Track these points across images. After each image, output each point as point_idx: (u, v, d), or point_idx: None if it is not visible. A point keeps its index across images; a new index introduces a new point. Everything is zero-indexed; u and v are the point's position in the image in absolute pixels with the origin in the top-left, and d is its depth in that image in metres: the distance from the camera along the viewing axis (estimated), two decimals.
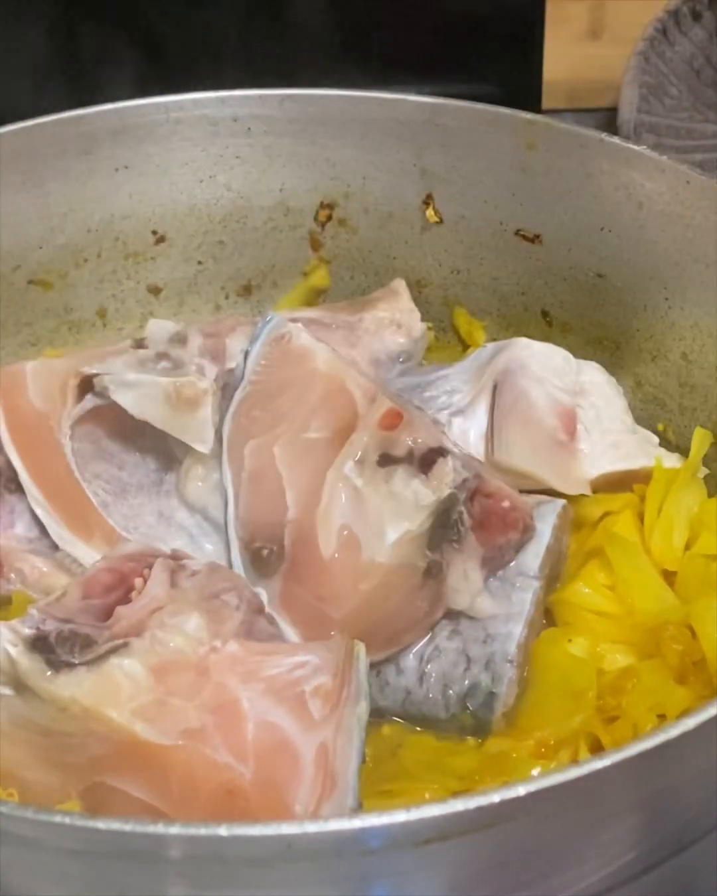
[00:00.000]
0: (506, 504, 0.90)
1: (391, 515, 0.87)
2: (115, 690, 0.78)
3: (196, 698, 0.79)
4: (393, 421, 0.88)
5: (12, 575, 0.96)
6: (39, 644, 0.80)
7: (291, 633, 0.88)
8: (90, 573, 0.87)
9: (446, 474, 0.86)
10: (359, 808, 0.76)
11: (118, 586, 0.86)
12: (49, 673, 0.79)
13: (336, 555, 0.87)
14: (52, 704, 0.78)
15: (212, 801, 0.77)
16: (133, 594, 0.84)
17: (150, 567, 0.86)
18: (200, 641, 0.81)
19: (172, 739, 0.77)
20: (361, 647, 0.83)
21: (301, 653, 0.83)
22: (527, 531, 0.91)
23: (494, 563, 0.90)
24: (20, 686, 0.79)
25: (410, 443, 0.88)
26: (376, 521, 0.87)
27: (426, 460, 0.87)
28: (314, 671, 0.81)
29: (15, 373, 1.03)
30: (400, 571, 0.87)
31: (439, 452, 0.87)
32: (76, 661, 0.79)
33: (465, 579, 0.88)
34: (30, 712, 0.79)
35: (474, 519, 0.89)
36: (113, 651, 0.80)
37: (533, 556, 0.92)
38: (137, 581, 0.85)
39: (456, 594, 0.88)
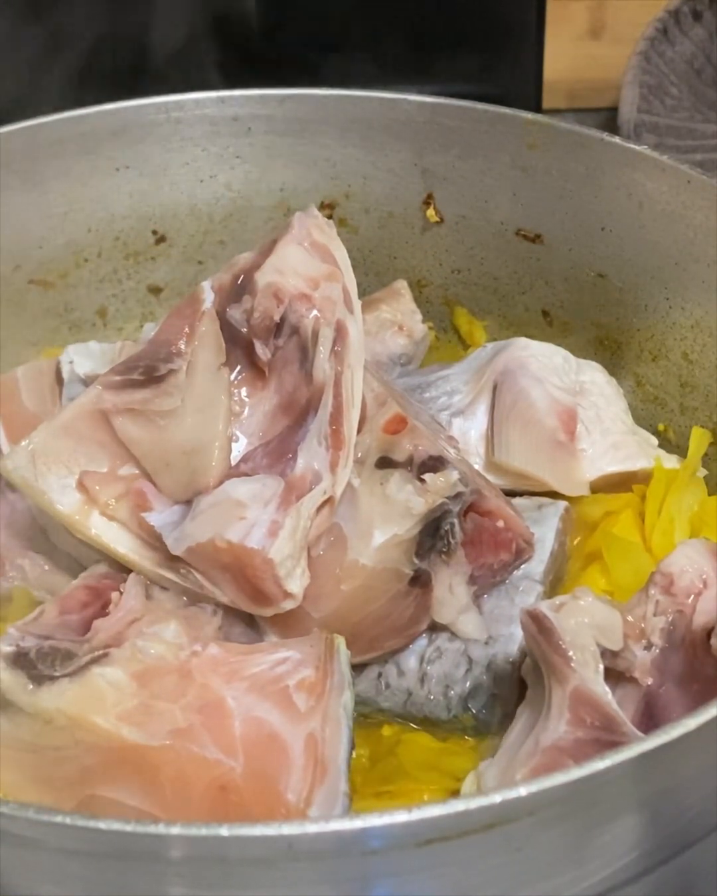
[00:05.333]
0: (500, 524, 0.89)
1: (381, 518, 0.87)
2: (99, 698, 0.79)
3: (181, 700, 0.80)
4: (397, 426, 0.88)
5: (13, 572, 0.96)
6: (20, 660, 0.80)
7: (269, 633, 0.88)
8: (66, 591, 0.88)
9: (441, 485, 0.86)
10: (349, 794, 0.77)
11: (94, 602, 0.87)
12: (31, 687, 0.79)
13: (321, 551, 0.87)
14: (37, 718, 0.79)
15: (206, 798, 0.77)
16: (110, 608, 0.85)
17: (124, 582, 0.87)
18: (179, 647, 0.82)
19: (160, 740, 0.78)
20: (340, 640, 0.84)
21: (282, 650, 0.84)
22: (520, 554, 0.91)
23: (483, 581, 0.90)
24: (3, 704, 0.80)
25: (410, 448, 0.88)
26: (365, 522, 0.87)
27: (424, 468, 0.87)
28: (296, 666, 0.82)
29: (8, 380, 1.06)
30: (384, 575, 0.87)
31: (438, 462, 0.87)
32: (58, 674, 0.80)
33: (450, 593, 0.88)
34: (15, 730, 0.80)
35: (466, 534, 0.89)
36: (94, 661, 0.80)
37: (538, 563, 0.93)
38: (113, 595, 0.86)
39: (441, 607, 0.88)
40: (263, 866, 0.65)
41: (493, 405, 1.02)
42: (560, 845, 0.71)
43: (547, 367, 1.04)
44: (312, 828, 0.62)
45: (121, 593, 0.86)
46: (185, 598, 0.87)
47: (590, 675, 0.77)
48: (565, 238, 1.13)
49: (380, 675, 0.90)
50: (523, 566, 0.92)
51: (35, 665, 0.80)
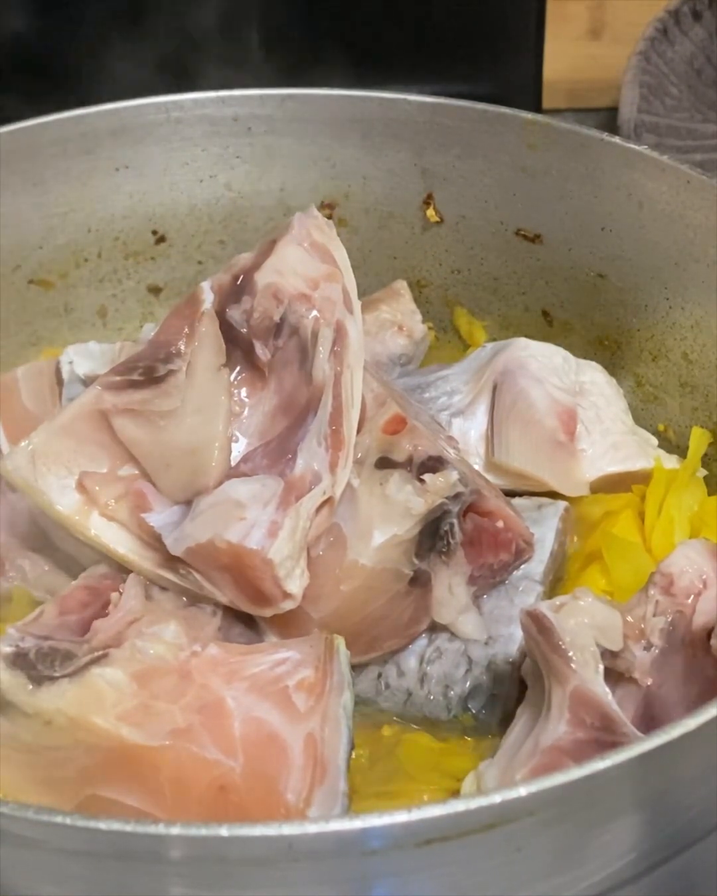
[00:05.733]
0: (499, 524, 0.89)
1: (380, 519, 0.87)
2: (98, 698, 0.79)
3: (180, 700, 0.80)
4: (396, 427, 0.88)
5: (12, 572, 0.96)
6: (20, 661, 0.81)
7: (269, 633, 0.88)
8: (66, 592, 0.89)
9: (441, 485, 0.86)
10: (349, 795, 0.77)
11: (94, 602, 0.87)
12: (31, 687, 0.79)
13: (321, 552, 0.87)
14: (37, 719, 0.79)
15: (205, 798, 0.77)
16: (109, 608, 0.85)
17: (124, 582, 0.87)
18: (179, 647, 0.82)
19: (160, 740, 0.78)
20: (340, 640, 0.84)
21: (282, 650, 0.84)
22: (520, 555, 0.91)
23: (483, 582, 0.90)
24: (3, 704, 0.80)
25: (410, 449, 0.88)
26: (365, 522, 0.87)
27: (424, 468, 0.87)
28: (296, 666, 0.82)
29: (8, 380, 1.07)
30: (383, 575, 0.87)
31: (438, 462, 0.87)
32: (57, 674, 0.80)
33: (450, 593, 0.88)
34: (15, 731, 0.80)
35: (466, 535, 0.89)
36: (93, 662, 0.80)
37: (537, 563, 0.93)
38: (113, 595, 0.86)
39: (441, 607, 0.88)
40: (263, 866, 0.65)
41: (493, 405, 1.02)
42: (560, 845, 0.71)
43: (547, 368, 1.04)
44: (312, 828, 0.62)
45: (120, 594, 0.86)
46: (184, 599, 0.88)
47: (590, 676, 0.77)
48: (565, 238, 1.13)
49: (380, 675, 0.90)
50: (522, 566, 0.92)
51: (35, 665, 0.80)
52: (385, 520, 0.87)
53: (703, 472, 1.03)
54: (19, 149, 1.12)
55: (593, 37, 1.60)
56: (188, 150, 1.17)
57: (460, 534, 0.88)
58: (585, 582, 0.94)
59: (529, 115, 1.11)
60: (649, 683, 0.81)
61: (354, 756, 0.81)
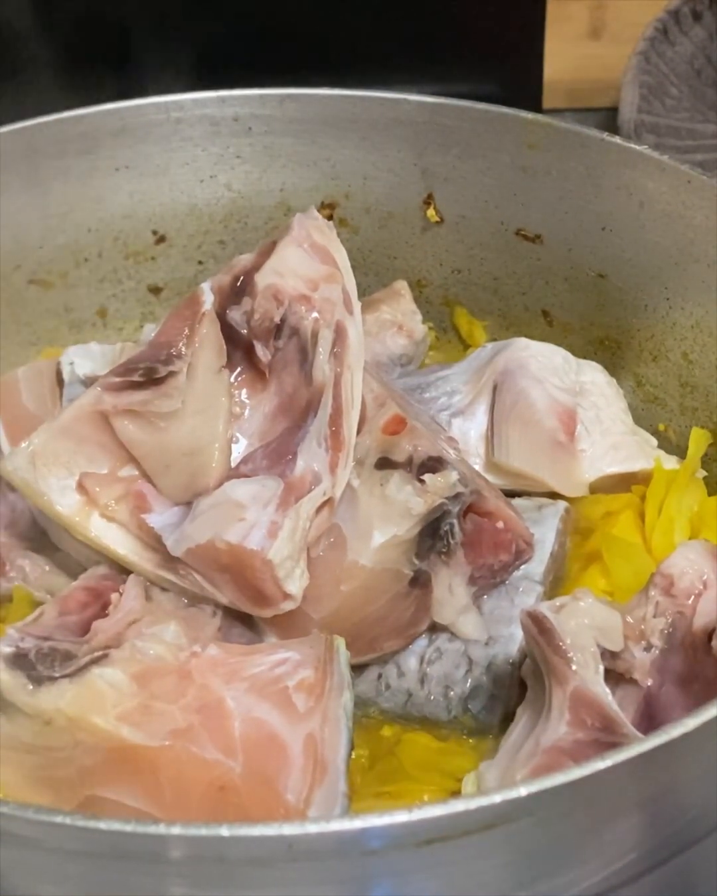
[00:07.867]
0: (500, 525, 0.89)
1: (380, 519, 0.87)
2: (98, 699, 0.79)
3: (180, 700, 0.80)
4: (396, 427, 0.89)
5: (12, 573, 0.96)
6: (20, 661, 0.81)
7: (269, 634, 0.88)
8: (66, 592, 0.89)
9: (441, 485, 0.86)
10: (348, 795, 0.77)
11: (94, 603, 0.87)
12: (30, 687, 0.79)
13: (321, 552, 0.87)
14: (36, 719, 0.79)
15: (205, 798, 0.77)
16: (109, 609, 0.86)
17: (124, 583, 0.87)
18: (179, 647, 0.82)
19: (160, 741, 0.78)
20: (340, 641, 0.84)
21: (282, 650, 0.84)
22: (520, 555, 0.91)
23: (483, 582, 0.90)
24: (3, 704, 0.80)
25: (410, 449, 0.88)
26: (365, 523, 0.87)
27: (424, 469, 0.87)
28: (296, 666, 0.82)
29: (8, 381, 1.07)
30: (383, 576, 0.87)
31: (438, 462, 0.87)
32: (57, 675, 0.80)
33: (450, 593, 0.88)
34: (15, 731, 0.80)
35: (466, 535, 0.89)
36: (93, 662, 0.81)
37: (537, 563, 0.93)
38: (113, 596, 0.87)
39: (441, 607, 0.88)
40: (262, 866, 0.65)
41: (493, 405, 1.02)
42: (560, 845, 0.71)
43: (547, 368, 1.04)
44: (312, 828, 0.62)
45: (120, 594, 0.86)
46: (184, 600, 0.88)
47: (590, 676, 0.78)
48: (565, 238, 1.13)
49: (380, 675, 0.90)
50: (522, 567, 0.92)
51: (35, 666, 0.80)
52: (385, 520, 0.87)
53: (703, 473, 1.03)
54: (19, 149, 1.11)
55: (593, 37, 1.60)
56: (188, 150, 1.17)
57: (459, 534, 0.88)
58: (585, 582, 0.94)
59: (529, 115, 1.11)
60: (649, 684, 0.81)
61: (354, 756, 0.81)
